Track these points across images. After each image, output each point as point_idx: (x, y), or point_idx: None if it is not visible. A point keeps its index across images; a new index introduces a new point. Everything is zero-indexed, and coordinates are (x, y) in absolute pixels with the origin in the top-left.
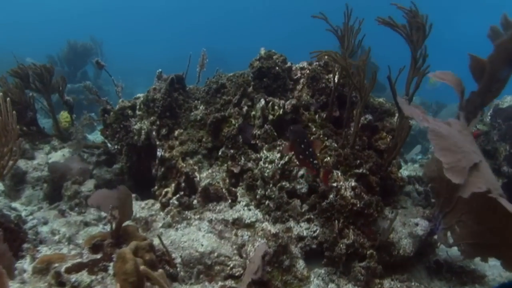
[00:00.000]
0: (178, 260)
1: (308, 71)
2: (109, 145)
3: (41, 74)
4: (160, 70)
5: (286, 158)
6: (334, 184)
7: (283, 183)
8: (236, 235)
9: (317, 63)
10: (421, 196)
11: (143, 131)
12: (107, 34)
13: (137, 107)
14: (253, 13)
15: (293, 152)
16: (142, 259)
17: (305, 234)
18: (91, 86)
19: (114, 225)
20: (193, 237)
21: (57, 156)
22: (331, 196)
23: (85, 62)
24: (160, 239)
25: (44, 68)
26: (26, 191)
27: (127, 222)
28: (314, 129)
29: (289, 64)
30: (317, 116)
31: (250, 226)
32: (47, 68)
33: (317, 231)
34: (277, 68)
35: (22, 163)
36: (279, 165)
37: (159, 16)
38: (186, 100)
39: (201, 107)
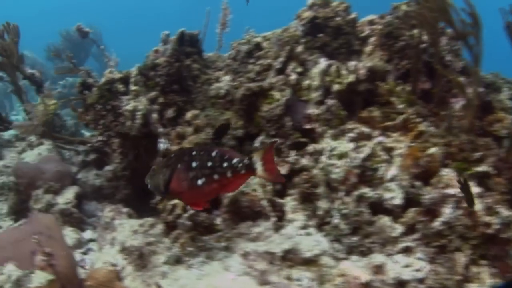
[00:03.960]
0: None
1: (381, 26)
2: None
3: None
4: (167, 32)
5: (368, 149)
6: (451, 191)
7: (363, 190)
8: (289, 278)
9: (392, 15)
10: None
11: (138, 114)
12: (108, 23)
13: (131, 79)
14: None
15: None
16: None
17: (407, 276)
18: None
19: None
20: (218, 282)
21: (32, 156)
22: (448, 211)
23: (88, 52)
24: None
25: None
26: None
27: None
28: (400, 106)
29: (353, 15)
30: (400, 88)
31: (312, 262)
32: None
33: (425, 269)
34: (337, 19)
35: None
36: (357, 161)
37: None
38: (203, 70)
39: (225, 78)
